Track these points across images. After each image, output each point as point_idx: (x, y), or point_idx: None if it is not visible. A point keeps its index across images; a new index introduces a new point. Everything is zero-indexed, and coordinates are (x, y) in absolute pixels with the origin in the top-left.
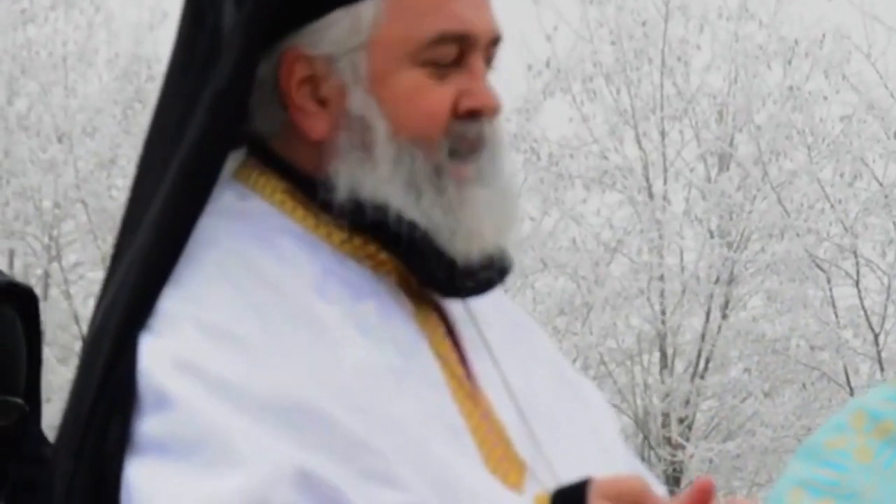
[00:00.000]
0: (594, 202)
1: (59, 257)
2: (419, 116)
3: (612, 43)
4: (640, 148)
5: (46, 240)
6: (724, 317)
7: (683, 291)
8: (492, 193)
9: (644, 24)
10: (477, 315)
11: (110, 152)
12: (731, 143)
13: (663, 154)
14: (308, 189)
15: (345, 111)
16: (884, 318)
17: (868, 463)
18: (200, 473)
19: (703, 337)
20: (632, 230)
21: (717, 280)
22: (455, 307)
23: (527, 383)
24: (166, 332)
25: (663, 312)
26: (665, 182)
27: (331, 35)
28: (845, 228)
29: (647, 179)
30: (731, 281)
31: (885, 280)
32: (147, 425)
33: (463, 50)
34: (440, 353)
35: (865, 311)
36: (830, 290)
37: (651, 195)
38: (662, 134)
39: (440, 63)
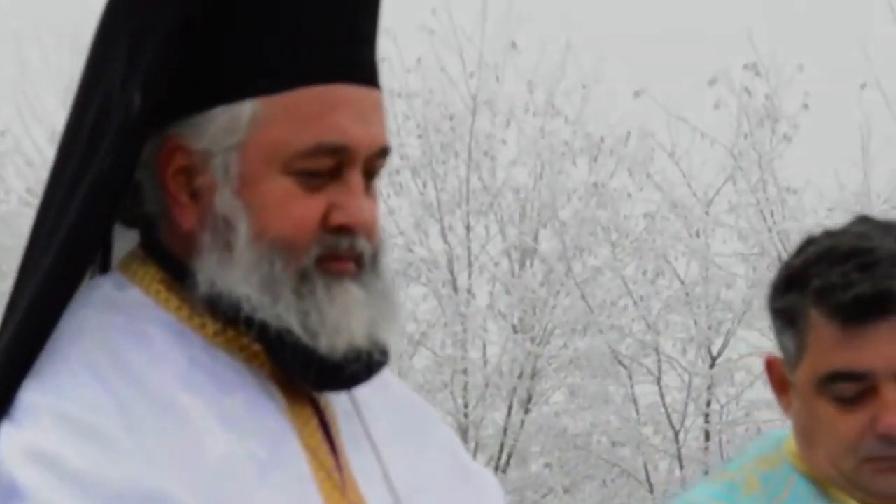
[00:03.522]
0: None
1: None
2: (284, 225)
3: (419, 136)
4: (446, 241)
5: None
6: (527, 411)
7: (486, 385)
8: (366, 292)
9: (451, 118)
10: (361, 405)
11: None
12: (535, 239)
13: (468, 248)
14: (181, 279)
15: (212, 208)
16: (684, 416)
17: None
18: None
19: (505, 431)
20: (436, 323)
21: (521, 374)
22: (339, 398)
23: (413, 474)
24: (25, 422)
25: (466, 406)
26: (470, 276)
27: (210, 130)
28: (647, 325)
29: (452, 273)
30: (534, 375)
31: (686, 377)
32: None
33: (340, 162)
34: (309, 445)
35: (666, 409)
36: (632, 386)
37: (456, 289)
38: (468, 228)
39: (314, 173)
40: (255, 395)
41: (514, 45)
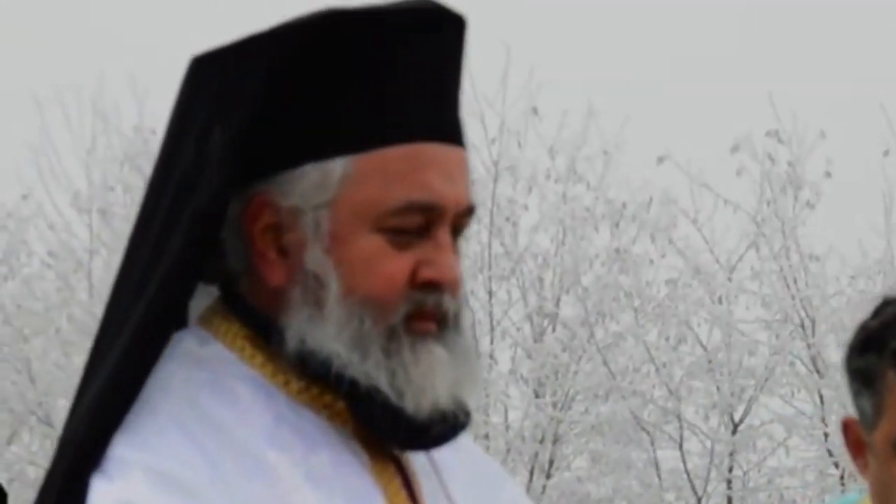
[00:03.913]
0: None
1: None
2: (374, 283)
3: None
4: (468, 307)
5: None
6: (549, 476)
7: (508, 450)
8: (449, 352)
9: (473, 183)
10: (439, 465)
11: None
12: (557, 304)
13: (490, 313)
14: (266, 336)
15: (302, 265)
16: (706, 482)
17: None
18: None
19: (527, 495)
20: None
21: (542, 439)
22: (417, 457)
23: None
24: (116, 476)
25: None
26: (492, 341)
27: (300, 188)
28: (670, 391)
29: (475, 338)
30: (556, 441)
31: (708, 444)
32: None
33: (429, 219)
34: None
35: (688, 474)
36: (654, 452)
37: (478, 353)
38: (490, 293)
39: (404, 231)
40: (340, 452)
41: (535, 110)
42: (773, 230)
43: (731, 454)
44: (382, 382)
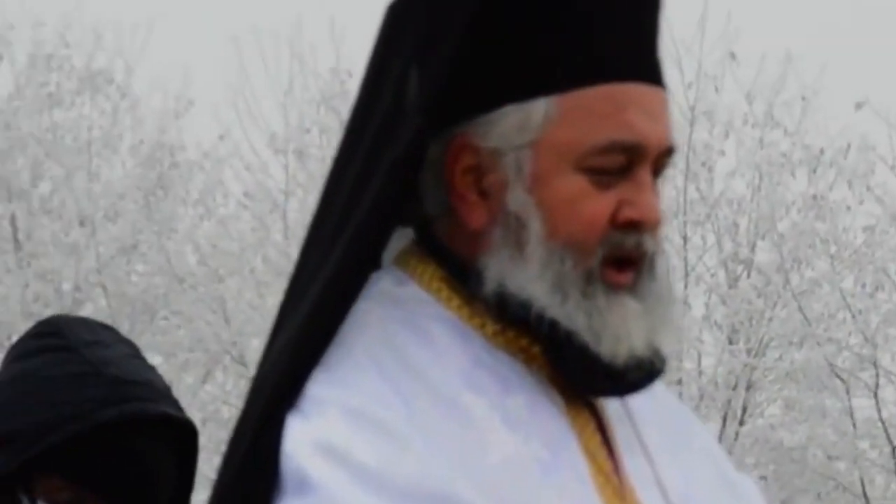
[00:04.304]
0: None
1: None
2: (576, 223)
3: None
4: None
5: None
6: (741, 423)
7: (701, 396)
8: (643, 303)
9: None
10: (633, 411)
11: (132, 238)
12: (752, 250)
13: (685, 258)
14: (463, 278)
15: (503, 206)
16: None
17: None
18: None
19: (720, 442)
20: None
21: (735, 386)
22: (611, 403)
23: (684, 482)
24: (312, 415)
25: None
26: (686, 286)
27: (500, 129)
28: (865, 339)
29: (670, 283)
30: (749, 387)
31: None
32: None
33: (631, 160)
34: (589, 448)
35: (883, 423)
36: (849, 400)
37: (675, 299)
38: (684, 238)
39: (606, 171)
40: (536, 396)
41: (733, 55)
42: None
43: None
44: (581, 325)
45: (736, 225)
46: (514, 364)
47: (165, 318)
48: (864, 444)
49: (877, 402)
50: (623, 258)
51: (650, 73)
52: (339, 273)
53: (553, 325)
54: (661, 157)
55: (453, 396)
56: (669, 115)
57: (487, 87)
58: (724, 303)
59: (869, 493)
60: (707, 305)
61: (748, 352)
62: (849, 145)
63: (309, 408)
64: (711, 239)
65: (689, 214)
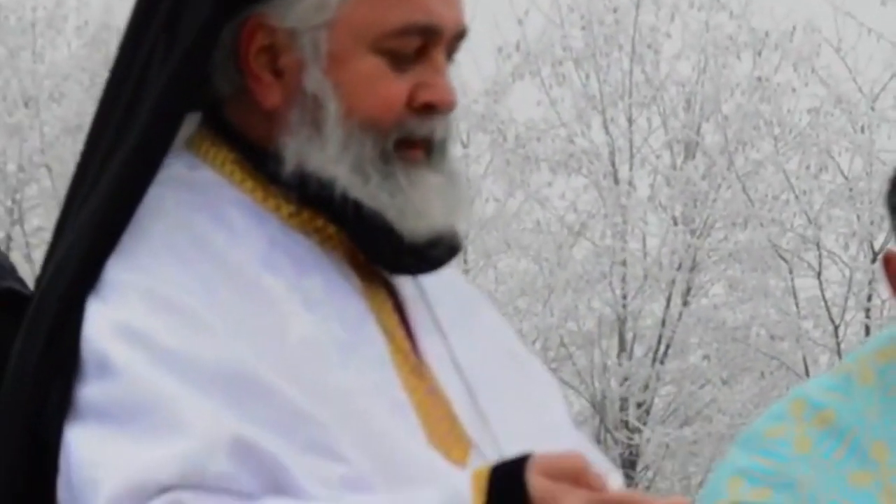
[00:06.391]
0: (559, 185)
1: (21, 221)
2: (373, 104)
3: (583, 28)
4: (607, 133)
5: (9, 203)
6: (685, 303)
7: (645, 277)
8: (440, 178)
9: (615, 10)
10: (427, 291)
11: (77, 118)
12: (697, 132)
13: (630, 140)
14: (257, 160)
15: (300, 87)
16: (844, 310)
17: (806, 453)
18: (139, 440)
19: (663, 322)
20: (596, 214)
21: (680, 267)
22: (405, 283)
23: (475, 359)
24: (112, 299)
25: (624, 297)
26: (631, 168)
27: (297, 9)
28: (809, 220)
29: (613, 165)
30: (693, 268)
31: (847, 272)
32: (89, 391)
33: (427, 42)
34: (387, 328)
35: (826, 303)
36: (792, 280)
37: (616, 180)
38: (630, 120)
39: (402, 53)
40: (333, 276)
41: None
42: None
43: (870, 283)
44: (384, 203)
45: (682, 106)
46: (309, 245)
47: None
48: (807, 324)
49: (820, 283)
50: (413, 142)
51: None
52: (134, 158)
53: (357, 205)
54: (455, 40)
55: (252, 278)
56: None
57: None
58: (668, 184)
59: (812, 373)
60: (652, 187)
61: (692, 232)
62: (794, 28)
63: (108, 292)
64: (657, 121)
65: (634, 96)
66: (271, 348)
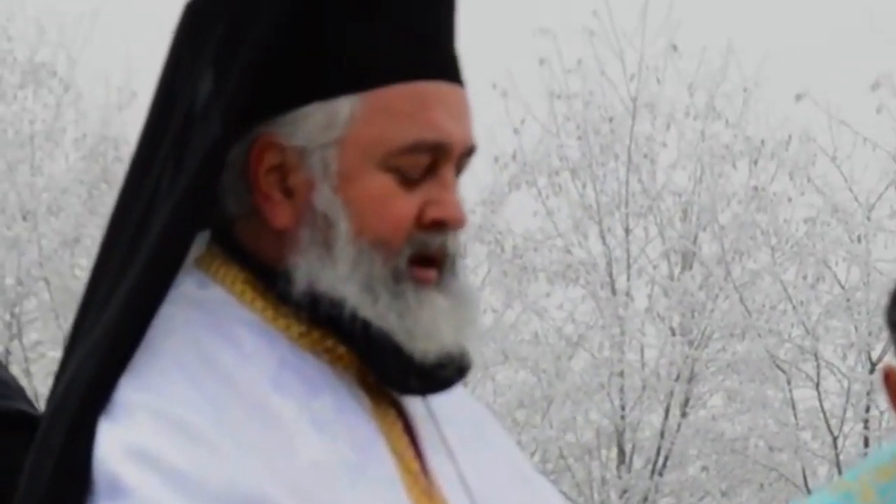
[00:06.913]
0: (557, 296)
1: (20, 335)
2: (383, 222)
3: (579, 138)
4: (604, 244)
5: (8, 317)
6: (684, 415)
7: (643, 388)
8: (450, 300)
9: (611, 120)
10: (436, 411)
11: (75, 231)
12: (694, 242)
13: (627, 250)
14: (268, 280)
15: (310, 205)
16: (842, 422)
17: None
18: None
19: (662, 434)
20: (594, 325)
21: (678, 377)
22: (414, 403)
23: (484, 481)
24: (122, 420)
25: (623, 408)
26: (628, 278)
27: (305, 127)
28: (807, 330)
29: (611, 275)
30: (692, 379)
31: (845, 383)
32: None
33: (436, 159)
34: (396, 449)
35: (825, 414)
36: (790, 391)
37: (614, 291)
38: (627, 230)
39: (411, 170)
40: (343, 397)
41: (674, 47)
42: None
43: (868, 394)
44: (393, 324)
45: (679, 216)
46: (320, 365)
47: None
48: (805, 435)
49: (818, 394)
50: (428, 257)
51: (451, 71)
52: (144, 278)
53: (366, 325)
54: (464, 157)
55: (261, 399)
56: (471, 114)
57: (291, 86)
58: (666, 294)
59: (811, 484)
60: (650, 297)
61: (690, 343)
62: (790, 137)
63: (119, 413)
64: (654, 231)
65: (631, 206)
66: (281, 470)
